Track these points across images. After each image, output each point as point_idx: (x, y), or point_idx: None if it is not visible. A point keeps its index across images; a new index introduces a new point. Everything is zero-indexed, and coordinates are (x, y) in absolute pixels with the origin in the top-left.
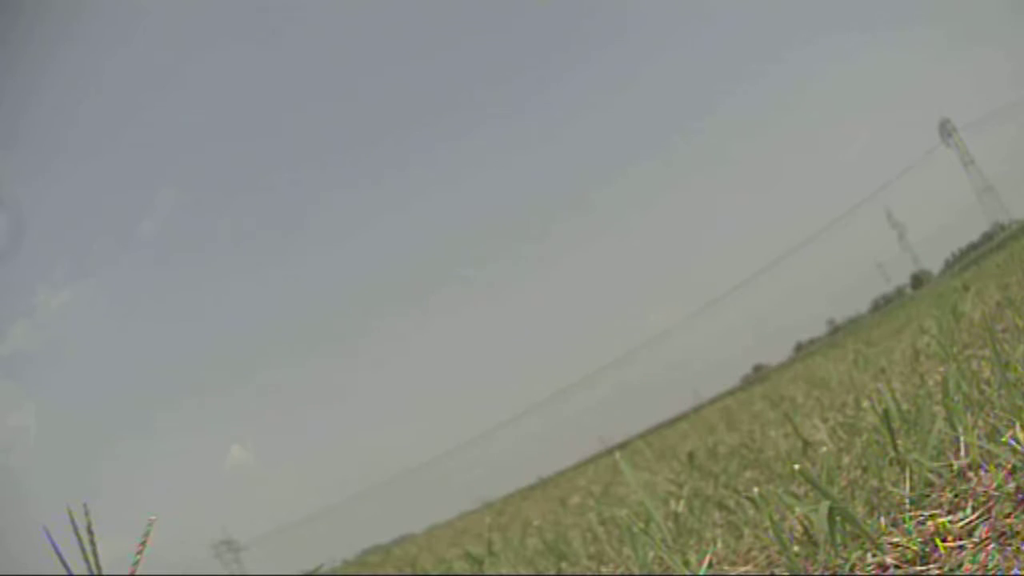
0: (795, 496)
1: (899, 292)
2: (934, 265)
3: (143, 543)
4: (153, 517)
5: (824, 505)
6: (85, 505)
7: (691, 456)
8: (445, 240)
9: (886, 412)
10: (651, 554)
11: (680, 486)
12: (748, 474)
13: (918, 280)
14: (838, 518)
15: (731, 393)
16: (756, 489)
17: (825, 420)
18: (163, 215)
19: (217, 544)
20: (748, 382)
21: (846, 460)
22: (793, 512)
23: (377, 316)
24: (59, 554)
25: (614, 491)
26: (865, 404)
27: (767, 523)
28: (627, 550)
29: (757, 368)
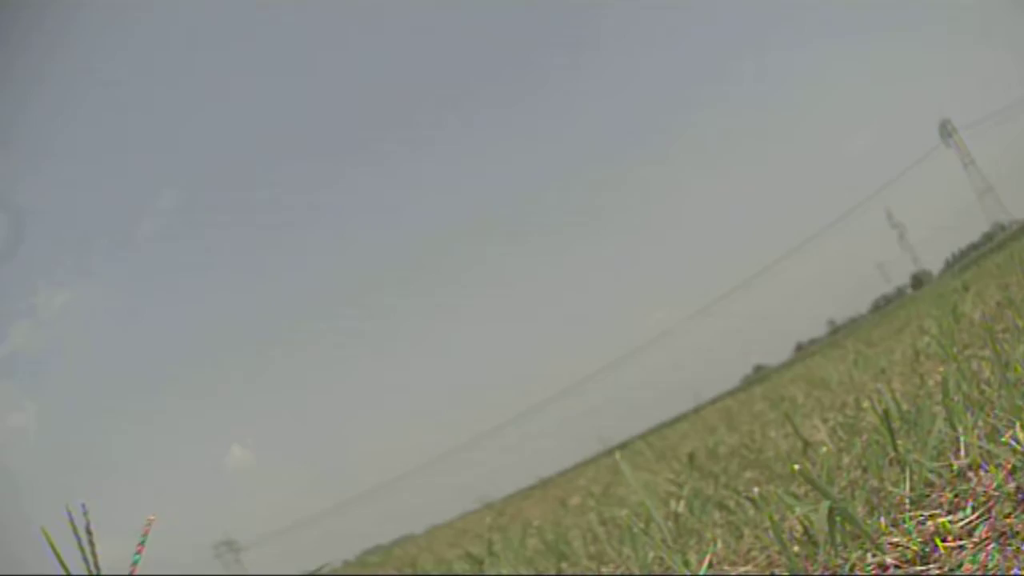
0: (795, 496)
1: (899, 292)
2: (934, 265)
3: (143, 543)
4: (153, 517)
5: (824, 505)
6: (84, 505)
7: (691, 456)
8: (445, 241)
9: (886, 412)
10: (651, 554)
11: (680, 486)
12: (748, 474)
13: (918, 280)
14: (838, 518)
15: (731, 393)
16: (756, 489)
17: (825, 420)
18: (163, 215)
19: (217, 544)
20: (748, 382)
21: (846, 460)
22: (793, 512)
23: (377, 316)
24: (58, 554)
25: (614, 491)
26: (865, 404)
27: (767, 523)
28: (627, 550)
29: (757, 368)
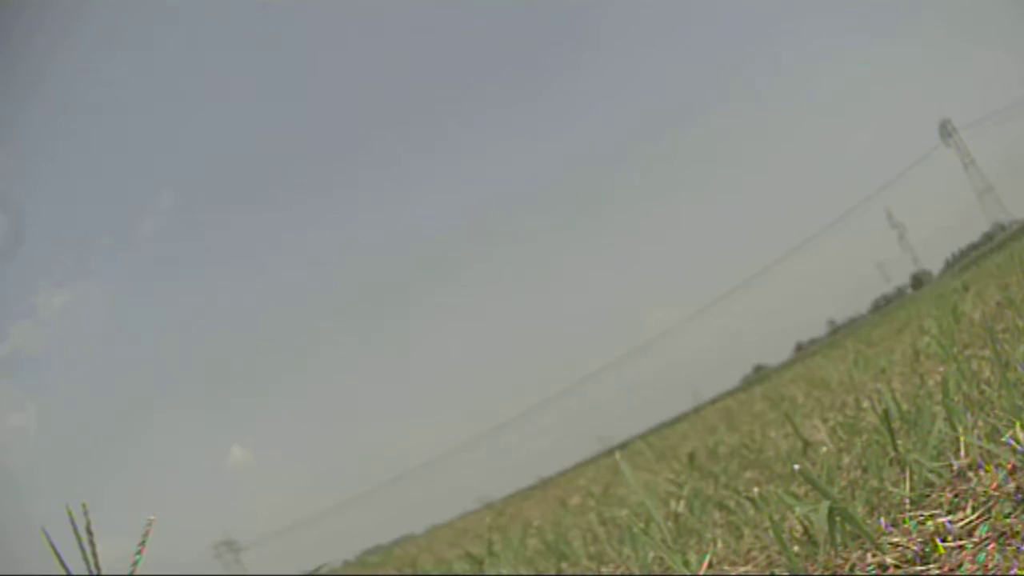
0: (795, 496)
1: (899, 292)
2: (934, 265)
3: (143, 543)
4: (153, 517)
5: (824, 505)
6: (84, 505)
7: (691, 456)
8: (445, 239)
9: (886, 412)
10: (651, 554)
11: (680, 486)
12: (748, 474)
13: (918, 280)
14: (838, 518)
15: (731, 393)
16: (756, 489)
17: (825, 420)
18: (163, 215)
19: (217, 544)
20: (748, 382)
21: (846, 460)
22: (793, 512)
23: (377, 316)
24: (58, 554)
25: (614, 491)
26: (865, 404)
27: (767, 523)
28: (627, 550)
29: (757, 368)
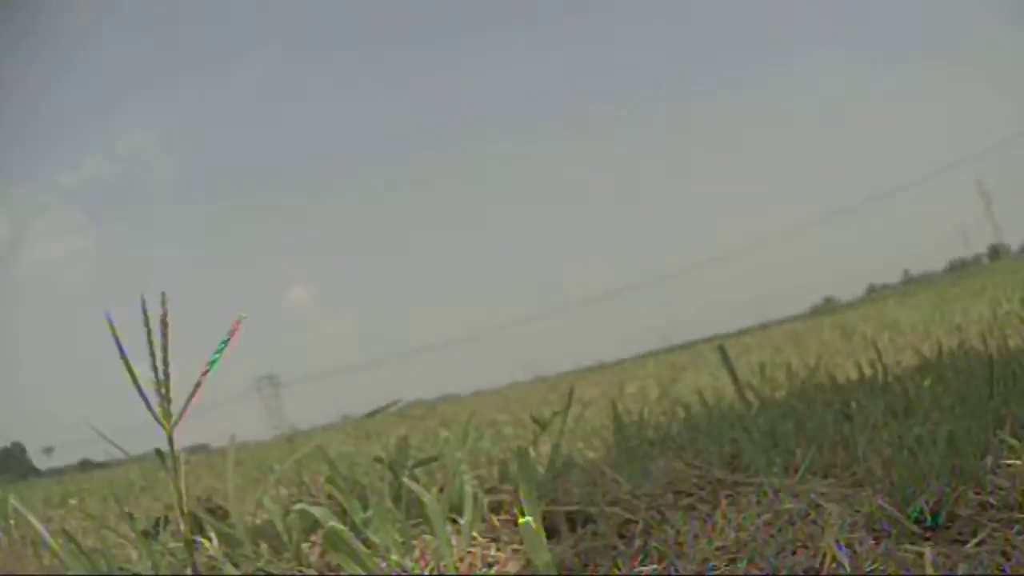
0: None
1: (976, 259)
2: (1013, 241)
3: (225, 341)
4: (244, 314)
5: None
6: (164, 294)
7: (762, 367)
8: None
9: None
10: None
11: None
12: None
13: (995, 252)
14: None
15: (798, 318)
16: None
17: (900, 361)
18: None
19: (259, 378)
20: (816, 312)
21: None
22: None
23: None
24: (121, 348)
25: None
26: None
27: None
28: None
29: (827, 300)
